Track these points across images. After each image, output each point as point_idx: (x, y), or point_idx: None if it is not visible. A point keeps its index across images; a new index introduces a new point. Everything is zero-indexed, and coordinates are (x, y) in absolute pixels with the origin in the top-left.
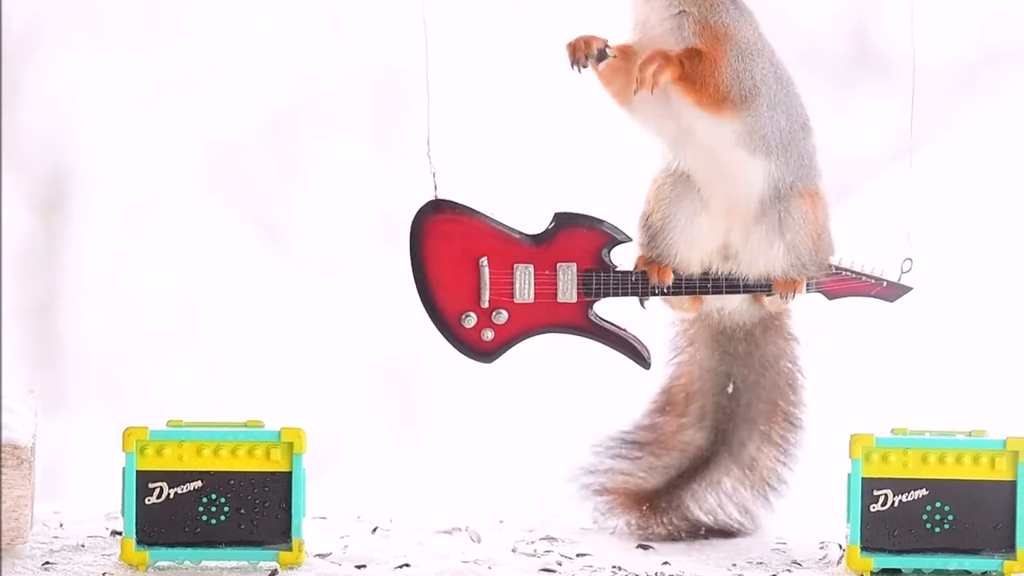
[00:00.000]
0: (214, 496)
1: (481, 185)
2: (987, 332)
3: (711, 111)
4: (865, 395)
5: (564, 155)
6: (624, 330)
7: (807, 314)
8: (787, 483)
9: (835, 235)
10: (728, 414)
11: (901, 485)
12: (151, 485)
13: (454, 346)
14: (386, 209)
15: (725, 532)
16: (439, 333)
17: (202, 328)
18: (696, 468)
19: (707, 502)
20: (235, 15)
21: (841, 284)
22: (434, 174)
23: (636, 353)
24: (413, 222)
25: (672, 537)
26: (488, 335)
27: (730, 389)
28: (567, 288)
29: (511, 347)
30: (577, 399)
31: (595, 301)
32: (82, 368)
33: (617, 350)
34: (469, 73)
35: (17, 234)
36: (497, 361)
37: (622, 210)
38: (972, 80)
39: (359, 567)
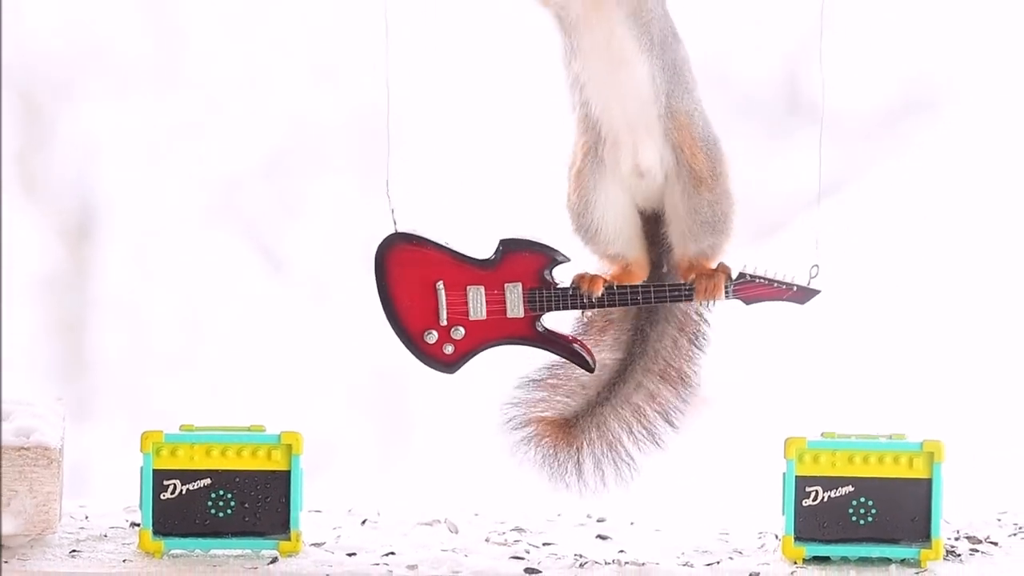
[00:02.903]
0: (222, 492)
1: (437, 217)
2: (906, 348)
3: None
4: (798, 402)
5: (510, 186)
6: (569, 338)
7: (748, 331)
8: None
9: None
10: (643, 321)
11: (830, 482)
12: (166, 482)
13: (420, 360)
14: (371, 238)
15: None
16: (406, 349)
17: (210, 343)
18: (612, 383)
19: (624, 414)
20: (237, 68)
21: (755, 290)
22: (393, 210)
23: (580, 358)
24: (377, 253)
25: (596, 461)
26: (449, 349)
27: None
28: (515, 305)
29: (470, 359)
30: None
31: (541, 315)
32: (105, 379)
33: (563, 356)
34: (423, 119)
35: (48, 261)
36: (459, 372)
37: (561, 234)
38: (891, 127)
39: (350, 555)
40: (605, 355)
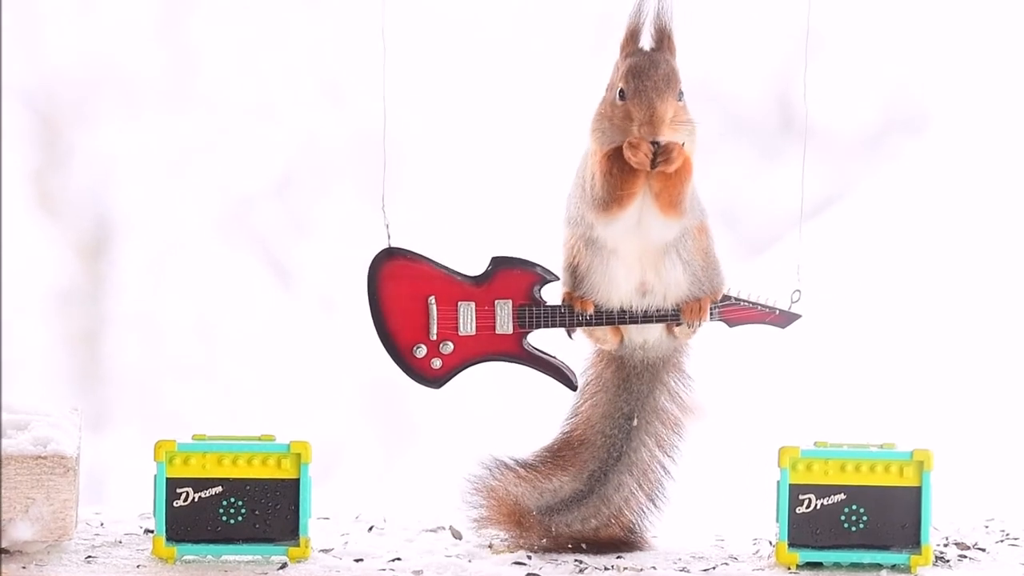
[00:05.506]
0: (233, 500)
1: (431, 233)
2: (896, 360)
3: (666, 212)
4: (791, 413)
5: (502, 206)
6: (554, 357)
7: (742, 343)
8: (650, 524)
9: (722, 262)
10: (609, 464)
11: (823, 490)
12: (179, 490)
13: (407, 374)
14: (375, 252)
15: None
16: (393, 363)
17: (222, 355)
18: (567, 506)
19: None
20: (248, 90)
21: (738, 313)
22: (387, 225)
23: (564, 376)
24: (370, 267)
25: (538, 548)
26: (436, 364)
27: (635, 423)
28: (504, 321)
29: (457, 374)
30: (539, 417)
31: (529, 332)
32: (120, 390)
33: (547, 374)
34: (421, 138)
35: (65, 276)
36: (463, 382)
37: (552, 253)
38: (874, 145)
39: (357, 560)
40: (566, 481)
